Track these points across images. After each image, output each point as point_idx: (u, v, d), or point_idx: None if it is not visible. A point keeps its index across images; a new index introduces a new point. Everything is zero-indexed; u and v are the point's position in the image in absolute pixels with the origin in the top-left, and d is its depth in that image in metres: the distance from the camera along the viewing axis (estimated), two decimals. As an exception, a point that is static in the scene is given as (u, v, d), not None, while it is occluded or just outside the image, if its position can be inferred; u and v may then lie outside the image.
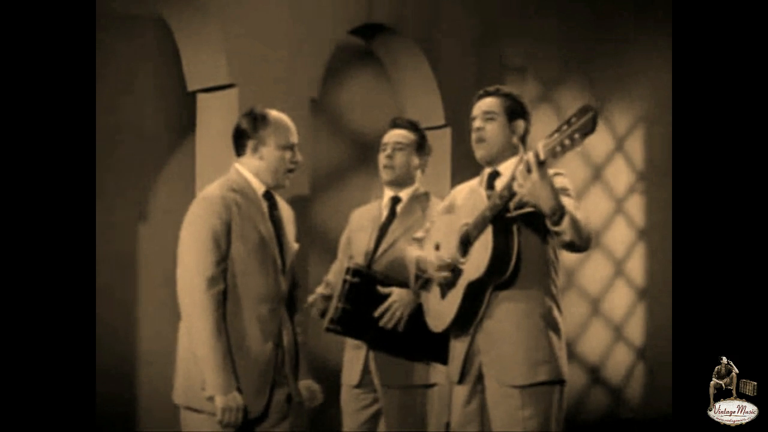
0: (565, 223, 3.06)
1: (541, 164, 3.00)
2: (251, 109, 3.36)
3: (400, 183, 3.92)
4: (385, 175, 3.92)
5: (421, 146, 3.95)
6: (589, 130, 2.90)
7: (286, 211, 3.42)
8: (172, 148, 5.86)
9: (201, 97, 5.02)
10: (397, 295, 3.69)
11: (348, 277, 3.72)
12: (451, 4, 6.03)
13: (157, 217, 5.80)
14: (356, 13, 5.50)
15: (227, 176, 3.33)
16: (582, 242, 3.13)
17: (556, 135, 2.97)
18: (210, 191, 3.27)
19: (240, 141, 3.33)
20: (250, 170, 3.31)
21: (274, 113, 3.35)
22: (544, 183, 3.01)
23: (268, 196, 3.33)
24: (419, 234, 3.62)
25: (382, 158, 3.92)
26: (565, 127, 2.95)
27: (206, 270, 3.15)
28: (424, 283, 3.48)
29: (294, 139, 3.34)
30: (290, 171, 3.33)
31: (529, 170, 3.02)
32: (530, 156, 3.02)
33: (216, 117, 4.95)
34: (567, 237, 3.09)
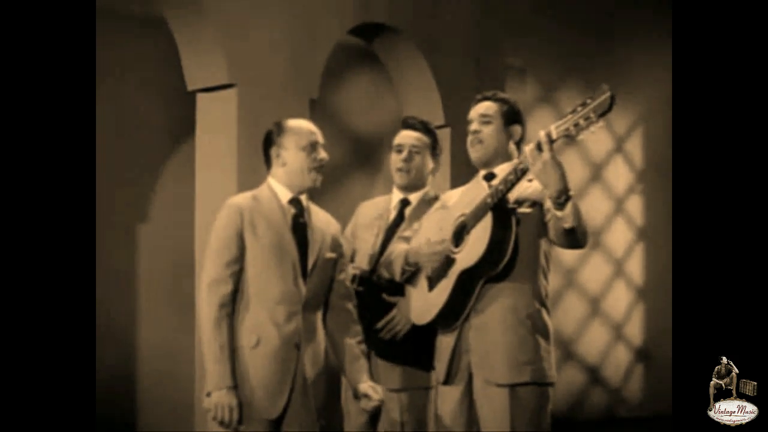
0: (569, 208, 3.05)
1: (552, 143, 3.00)
2: (275, 122, 3.44)
3: (413, 186, 3.84)
4: (399, 178, 3.82)
5: (434, 148, 3.88)
6: (606, 109, 2.89)
7: (321, 221, 3.44)
8: (172, 148, 5.86)
9: (201, 97, 5.02)
10: (399, 308, 3.66)
11: (354, 286, 3.67)
12: (451, 4, 6.03)
13: (157, 217, 5.80)
14: (356, 12, 5.50)
15: (258, 188, 3.42)
16: (581, 233, 3.11)
17: (570, 115, 2.97)
18: (232, 198, 3.40)
19: (267, 153, 3.42)
20: (276, 178, 3.39)
21: (292, 120, 3.43)
22: (554, 163, 3.01)
23: (296, 203, 3.38)
24: (407, 233, 3.60)
25: (397, 161, 3.82)
26: (579, 108, 2.95)
27: (212, 271, 3.26)
28: (410, 276, 3.47)
29: (315, 138, 3.40)
30: (317, 171, 3.39)
31: (540, 149, 3.02)
32: (542, 135, 3.02)
33: (216, 117, 4.95)
34: (568, 224, 3.07)
